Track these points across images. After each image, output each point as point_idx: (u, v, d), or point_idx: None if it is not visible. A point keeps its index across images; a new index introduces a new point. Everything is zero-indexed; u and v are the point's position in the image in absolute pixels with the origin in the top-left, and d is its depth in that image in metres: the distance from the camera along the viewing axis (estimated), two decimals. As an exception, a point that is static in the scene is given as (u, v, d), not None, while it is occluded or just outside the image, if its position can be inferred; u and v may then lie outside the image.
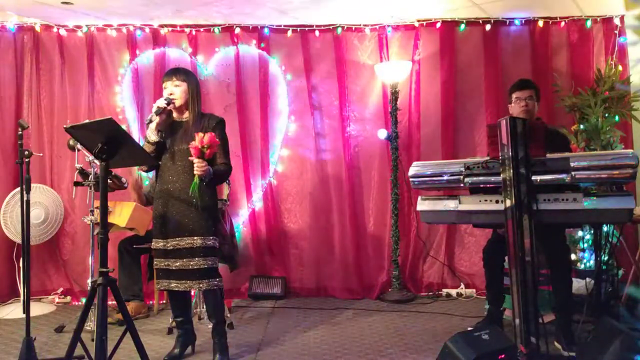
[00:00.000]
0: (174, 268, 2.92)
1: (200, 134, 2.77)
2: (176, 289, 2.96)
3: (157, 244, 2.97)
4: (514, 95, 3.35)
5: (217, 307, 3.02)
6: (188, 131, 2.93)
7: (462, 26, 4.65)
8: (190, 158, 2.80)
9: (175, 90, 2.96)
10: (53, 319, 3.98)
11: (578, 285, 3.59)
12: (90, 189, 3.50)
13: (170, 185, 2.95)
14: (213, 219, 3.00)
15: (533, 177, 2.41)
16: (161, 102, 2.92)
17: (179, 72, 3.04)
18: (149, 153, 2.90)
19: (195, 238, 2.89)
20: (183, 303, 3.15)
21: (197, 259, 2.88)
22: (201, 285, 2.92)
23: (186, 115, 3.01)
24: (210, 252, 2.93)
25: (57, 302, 4.47)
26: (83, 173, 3.49)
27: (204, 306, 3.65)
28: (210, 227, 2.94)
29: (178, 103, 2.97)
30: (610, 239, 3.55)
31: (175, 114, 3.05)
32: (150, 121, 2.90)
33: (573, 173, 2.34)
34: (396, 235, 4.51)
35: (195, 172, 2.78)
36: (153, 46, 4.67)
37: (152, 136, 2.92)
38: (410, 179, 2.82)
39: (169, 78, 2.99)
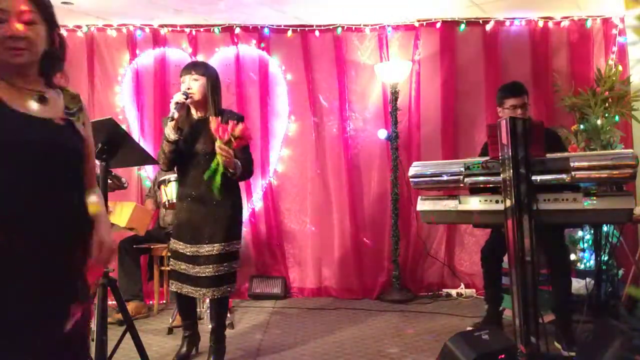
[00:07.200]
0: (191, 274, 2.82)
1: (233, 121, 2.59)
2: (189, 295, 2.88)
3: (177, 245, 2.88)
4: (508, 102, 3.24)
5: (221, 311, 2.97)
6: (211, 131, 2.74)
7: (462, 26, 4.65)
8: (217, 146, 2.56)
9: (194, 84, 2.80)
10: (53, 319, 3.97)
11: (578, 285, 3.58)
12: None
13: (195, 190, 2.83)
14: (237, 223, 2.92)
15: (533, 177, 2.41)
16: (179, 97, 2.75)
17: (197, 66, 2.91)
18: (168, 152, 2.80)
19: (215, 245, 2.79)
20: (190, 305, 3.08)
21: (212, 265, 2.79)
22: (215, 293, 2.82)
23: (206, 112, 2.86)
24: (229, 257, 2.83)
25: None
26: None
27: (204, 306, 3.64)
28: (233, 233, 2.84)
29: (196, 97, 2.80)
30: (610, 239, 3.55)
31: (193, 111, 2.90)
32: (172, 119, 2.73)
33: (573, 173, 2.33)
34: (396, 235, 4.51)
35: (219, 158, 2.55)
36: (153, 46, 4.67)
37: (172, 135, 2.75)
38: (410, 179, 2.81)
39: (188, 72, 2.84)
